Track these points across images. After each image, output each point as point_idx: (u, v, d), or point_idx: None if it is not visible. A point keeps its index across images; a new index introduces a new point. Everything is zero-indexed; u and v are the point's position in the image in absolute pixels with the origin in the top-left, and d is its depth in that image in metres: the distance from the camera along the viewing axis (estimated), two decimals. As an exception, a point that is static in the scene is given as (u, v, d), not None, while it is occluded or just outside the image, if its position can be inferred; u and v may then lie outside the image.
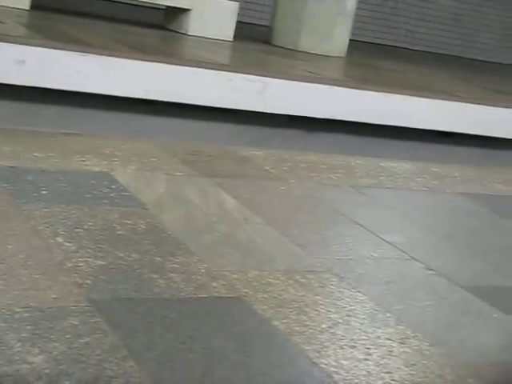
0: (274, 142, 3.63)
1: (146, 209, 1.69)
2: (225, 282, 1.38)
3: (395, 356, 1.23)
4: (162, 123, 3.38)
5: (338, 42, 5.18)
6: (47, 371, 0.99)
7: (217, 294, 1.33)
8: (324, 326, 1.29)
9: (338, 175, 2.33)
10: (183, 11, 4.81)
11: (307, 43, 5.10)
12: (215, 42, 4.61)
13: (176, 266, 1.41)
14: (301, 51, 5.08)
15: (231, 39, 4.89)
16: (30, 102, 3.11)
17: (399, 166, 2.64)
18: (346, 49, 5.30)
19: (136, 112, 3.33)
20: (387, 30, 7.59)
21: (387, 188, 2.30)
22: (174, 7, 4.82)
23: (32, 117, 3.12)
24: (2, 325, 1.08)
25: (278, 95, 3.50)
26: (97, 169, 1.92)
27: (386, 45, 7.61)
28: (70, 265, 1.32)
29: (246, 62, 3.99)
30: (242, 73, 3.41)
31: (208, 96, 3.33)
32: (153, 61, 3.20)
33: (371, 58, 5.86)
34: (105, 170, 1.92)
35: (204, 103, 3.34)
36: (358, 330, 1.29)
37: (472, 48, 8.13)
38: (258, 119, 3.58)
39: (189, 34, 4.77)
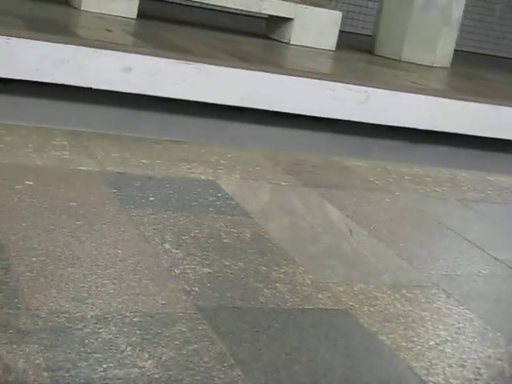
0: (376, 152, 3.59)
1: (251, 218, 1.69)
2: (330, 294, 1.37)
3: (507, 378, 1.19)
4: (264, 132, 3.39)
5: (442, 52, 5.10)
6: (157, 376, 1.00)
7: (322, 306, 1.32)
8: (432, 342, 1.26)
9: (444, 188, 2.29)
10: (285, 20, 4.82)
11: (411, 53, 5.04)
12: (317, 52, 4.60)
13: (281, 276, 1.41)
14: (404, 61, 5.02)
15: (333, 49, 4.88)
16: (136, 109, 3.17)
17: (507, 180, 2.57)
18: (450, 59, 5.22)
19: (238, 120, 3.35)
20: (493, 40, 7.43)
21: (495, 203, 2.24)
22: (277, 16, 4.84)
23: (139, 124, 3.18)
24: (113, 328, 1.10)
25: (381, 105, 3.46)
26: (202, 177, 1.93)
27: (491, 55, 7.45)
28: (177, 271, 1.34)
29: (349, 71, 3.97)
30: (344, 82, 3.39)
31: (310, 105, 3.32)
32: (255, 69, 3.22)
33: (476, 68, 5.75)
34: (210, 177, 1.94)
35: (306, 112, 3.34)
36: (467, 349, 1.26)
37: None
38: (360, 129, 3.56)
39: (291, 43, 4.78)
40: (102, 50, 2.98)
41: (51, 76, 2.91)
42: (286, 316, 1.25)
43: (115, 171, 1.84)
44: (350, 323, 1.27)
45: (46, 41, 2.89)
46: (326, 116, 3.39)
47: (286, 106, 3.30)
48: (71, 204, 1.56)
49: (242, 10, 4.95)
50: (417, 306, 1.40)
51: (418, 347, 1.23)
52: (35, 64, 2.87)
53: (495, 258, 1.74)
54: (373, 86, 3.46)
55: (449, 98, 3.61)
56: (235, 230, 1.59)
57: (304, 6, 4.77)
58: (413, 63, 5.01)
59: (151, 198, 1.69)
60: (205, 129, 3.28)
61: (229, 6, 4.68)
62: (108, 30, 3.52)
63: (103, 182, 1.74)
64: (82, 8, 4.31)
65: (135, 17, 4.41)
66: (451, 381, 1.15)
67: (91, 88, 3.00)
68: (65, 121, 3.05)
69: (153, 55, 3.07)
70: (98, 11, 4.33)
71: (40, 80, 2.91)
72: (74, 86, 2.99)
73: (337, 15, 4.86)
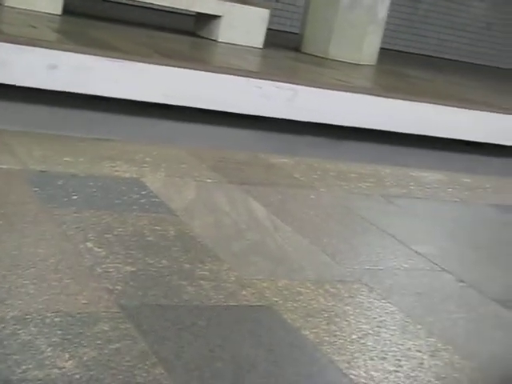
0: (302, 149, 3.62)
1: (175, 215, 1.69)
2: (254, 291, 1.38)
3: (426, 368, 1.21)
4: (190, 129, 3.38)
5: (368, 50, 5.16)
6: (77, 376, 0.99)
7: (246, 303, 1.32)
8: (354, 336, 1.28)
9: (368, 184, 2.32)
10: (214, 18, 4.82)
11: (337, 51, 5.09)
12: (245, 49, 4.61)
13: (205, 273, 1.41)
14: (331, 59, 5.07)
15: (261, 46, 4.89)
16: (60, 107, 3.13)
17: (429, 175, 2.62)
18: (376, 57, 5.29)
19: (164, 118, 3.34)
20: (418, 39, 7.56)
21: (417, 198, 2.28)
22: (205, 14, 4.83)
23: (63, 122, 3.14)
24: (33, 329, 1.08)
25: (308, 103, 3.49)
26: (127, 175, 1.92)
27: (416, 53, 7.58)
28: (100, 270, 1.32)
29: (276, 69, 3.99)
30: (271, 80, 3.40)
31: (237, 102, 3.33)
32: (182, 67, 3.21)
33: (402, 66, 5.84)
34: (135, 175, 1.92)
35: (233, 110, 3.34)
36: (388, 342, 1.28)
37: (504, 57, 8.08)
38: (286, 126, 3.58)
39: (219, 40, 4.78)
40: (27, 47, 2.93)
41: (-27, 73, 2.85)
42: (209, 313, 1.25)
43: (37, 169, 1.81)
44: (274, 319, 1.28)
45: (-34, 37, 2.83)
46: (252, 113, 3.40)
47: (212, 104, 3.29)
48: (-9, 203, 1.53)
49: (170, 8, 4.93)
50: (340, 300, 1.41)
51: (341, 341, 1.25)
52: (-44, 61, 2.81)
53: (417, 252, 1.77)
54: (300, 84, 3.48)
55: (373, 95, 3.66)
56: (159, 228, 1.59)
57: (232, 3, 4.77)
58: (339, 61, 5.06)
59: (74, 197, 1.67)
60: (130, 127, 3.26)
61: (157, 3, 4.65)
62: (32, 27, 3.46)
63: (25, 180, 1.71)
64: (6, 4, 4.23)
65: (60, 13, 4.35)
66: (372, 373, 1.16)
67: (15, 85, 2.95)
68: (-13, 119, 2.99)
69: (78, 52, 3.03)
70: (22, 7, 4.25)
71: (-39, 77, 2.85)
72: (-3, 84, 2.93)
73: (265, 13, 4.87)
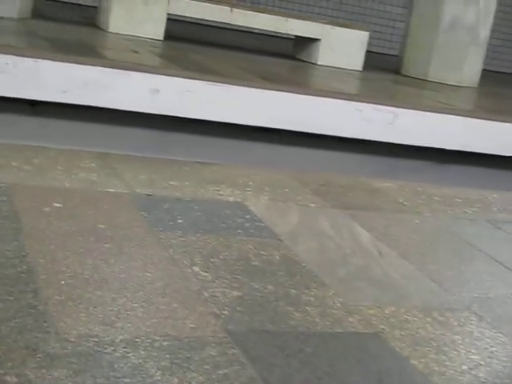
0: (405, 173, 3.57)
1: (280, 240, 1.68)
2: (361, 317, 1.35)
3: (542, 403, 1.17)
4: (292, 153, 3.38)
5: (469, 71, 5.07)
6: (186, 402, 0.99)
7: (353, 330, 1.30)
8: (465, 367, 1.24)
9: (474, 209, 2.27)
10: (313, 41, 4.83)
11: (438, 73, 5.02)
12: (345, 72, 4.60)
13: (311, 299, 1.40)
14: (431, 81, 5.00)
15: (361, 69, 4.87)
16: (164, 131, 3.18)
17: (537, 200, 2.54)
18: (478, 79, 5.19)
19: (265, 141, 3.35)
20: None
21: (526, 224, 2.22)
22: (304, 37, 4.84)
23: (167, 146, 3.19)
24: (142, 353, 1.09)
25: (409, 126, 3.44)
26: (231, 198, 1.93)
27: (519, 74, 7.41)
28: (206, 295, 1.33)
29: (376, 91, 3.96)
30: (372, 103, 3.38)
31: (337, 126, 3.31)
32: (282, 90, 3.22)
33: (504, 87, 5.71)
34: (239, 199, 1.93)
35: (333, 133, 3.33)
36: (500, 374, 1.24)
37: None
38: (388, 150, 3.54)
39: (318, 63, 4.78)
40: (130, 72, 2.99)
41: (78, 97, 2.93)
42: (316, 340, 1.24)
43: (143, 193, 1.84)
44: (382, 347, 1.26)
45: (73, 62, 2.91)
46: (353, 136, 3.37)
47: (314, 127, 3.29)
48: (100, 226, 1.55)
49: (269, 31, 4.96)
50: (448, 329, 1.38)
51: (451, 372, 1.21)
52: (63, 86, 2.89)
53: (528, 281, 1.71)
54: (400, 107, 3.44)
55: (476, 117, 3.58)
56: (264, 253, 1.58)
57: (331, 26, 4.77)
58: (440, 83, 4.99)
59: (180, 220, 1.69)
60: (233, 151, 3.28)
61: (256, 27, 4.69)
62: (135, 52, 3.54)
63: (131, 204, 1.74)
64: (109, 29, 4.35)
65: (162, 38, 4.43)
66: (485, 407, 1.13)
67: (119, 110, 3.01)
68: (93, 143, 3.06)
69: (180, 76, 3.08)
70: (125, 33, 4.36)
71: (67, 102, 2.93)
72: (102, 108, 3.00)
73: (364, 36, 4.86)
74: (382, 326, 1.33)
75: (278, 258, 1.57)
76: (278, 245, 1.65)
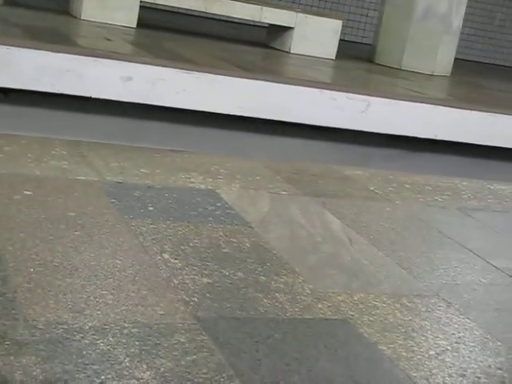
0: (377, 161, 3.59)
1: (250, 227, 1.69)
2: (330, 304, 1.36)
3: (507, 387, 1.18)
4: (264, 141, 3.39)
5: (442, 60, 5.10)
6: (155, 388, 1.00)
7: (322, 316, 1.31)
8: (432, 352, 1.25)
9: (445, 197, 2.29)
10: (286, 29, 4.83)
11: (411, 62, 5.05)
12: (318, 60, 4.60)
13: (281, 285, 1.40)
14: (404, 70, 5.03)
15: (334, 57, 4.88)
16: (136, 119, 3.17)
17: (507, 188, 2.56)
18: (450, 68, 5.22)
19: (238, 129, 3.35)
20: (494, 49, 7.43)
21: (496, 211, 2.24)
22: (278, 25, 4.84)
23: (139, 133, 3.18)
24: (111, 339, 1.09)
25: (381, 114, 3.46)
26: (202, 186, 1.93)
27: (492, 64, 7.46)
28: (176, 282, 1.33)
29: (349, 80, 3.97)
30: (345, 91, 3.39)
31: (310, 114, 3.32)
32: (255, 78, 3.22)
33: (476, 76, 5.75)
34: (210, 187, 1.93)
35: (306, 122, 3.34)
36: (467, 358, 1.25)
37: None
38: (361, 138, 3.56)
39: (291, 52, 4.79)
40: (102, 60, 2.98)
41: (51, 86, 2.91)
42: (285, 326, 1.25)
43: (114, 181, 1.83)
44: (350, 333, 1.27)
45: (46, 50, 2.89)
46: (326, 125, 3.39)
47: (287, 115, 3.30)
48: (70, 214, 1.55)
49: (243, 20, 4.96)
50: (417, 315, 1.39)
51: (418, 357, 1.23)
52: (35, 74, 2.88)
53: (495, 267, 1.73)
54: (373, 95, 3.46)
55: (449, 106, 3.61)
56: (235, 240, 1.59)
57: (304, 14, 4.77)
58: (413, 72, 5.01)
59: (150, 208, 1.69)
60: (205, 138, 3.28)
61: (230, 15, 4.68)
62: (108, 39, 3.52)
63: (102, 191, 1.74)
64: (82, 17, 4.32)
65: (135, 26, 4.42)
66: (452, 391, 1.14)
67: (91, 97, 3.00)
68: (64, 130, 3.05)
69: (153, 64, 3.07)
70: (97, 20, 4.33)
71: (40, 89, 2.91)
72: (74, 96, 2.99)
73: (337, 24, 4.86)
74: (350, 313, 1.34)
75: (248, 245, 1.58)
76: (249, 232, 1.65)
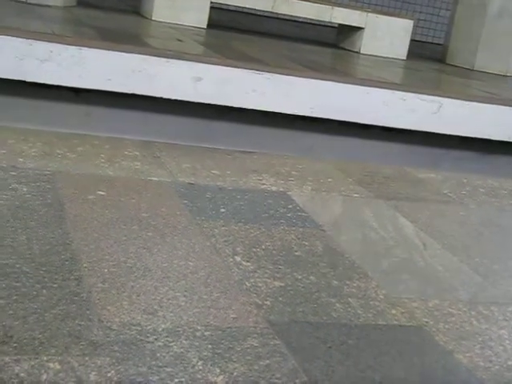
0: (449, 163, 3.53)
1: (322, 230, 1.67)
2: (404, 310, 1.34)
3: None
4: (335, 143, 3.36)
5: (516, 61, 4.99)
6: (228, 393, 0.99)
7: (396, 322, 1.29)
8: (510, 362, 1.22)
9: (520, 201, 2.23)
10: (356, 29, 4.79)
11: (484, 62, 4.95)
12: (388, 61, 4.55)
13: (354, 290, 1.38)
14: (477, 70, 4.94)
15: (405, 58, 4.82)
16: (206, 120, 3.18)
17: None
18: (524, 68, 5.11)
19: (309, 130, 3.33)
20: None
21: None
22: (347, 25, 4.81)
23: (210, 134, 3.19)
24: (184, 342, 1.09)
25: (454, 116, 3.40)
26: (273, 188, 1.92)
27: None
28: (248, 285, 1.32)
29: (421, 81, 3.92)
30: (416, 92, 3.34)
31: (381, 115, 3.28)
32: (326, 79, 3.20)
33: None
34: (281, 189, 1.92)
35: (377, 123, 3.30)
36: (547, 370, 1.21)
37: None
38: (432, 140, 3.50)
39: (361, 52, 4.75)
40: (173, 60, 2.99)
41: (123, 86, 2.94)
42: (359, 332, 1.23)
43: (186, 182, 1.84)
44: (425, 340, 1.24)
45: (117, 50, 2.92)
46: (397, 126, 3.34)
47: (357, 116, 3.26)
48: (142, 215, 1.56)
49: (312, 20, 4.93)
50: (494, 323, 1.35)
51: (497, 367, 1.19)
52: (107, 74, 2.91)
53: None
54: (445, 96, 3.40)
55: (524, 108, 3.52)
56: (307, 243, 1.57)
57: (375, 14, 4.73)
58: (486, 72, 4.92)
59: (222, 210, 1.68)
60: (275, 139, 3.27)
61: (300, 15, 4.66)
62: (179, 40, 3.54)
63: (174, 192, 1.74)
64: (153, 18, 4.35)
65: (205, 26, 4.43)
66: (532, 403, 1.11)
67: (162, 98, 3.02)
68: (136, 131, 3.08)
69: (223, 65, 3.07)
70: (168, 21, 4.36)
71: (111, 90, 2.94)
72: (145, 96, 3.01)
73: (408, 24, 4.80)
74: (425, 319, 1.32)
75: (320, 248, 1.56)
76: (321, 235, 1.64)
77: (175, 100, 3.04)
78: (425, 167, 3.17)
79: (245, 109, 3.13)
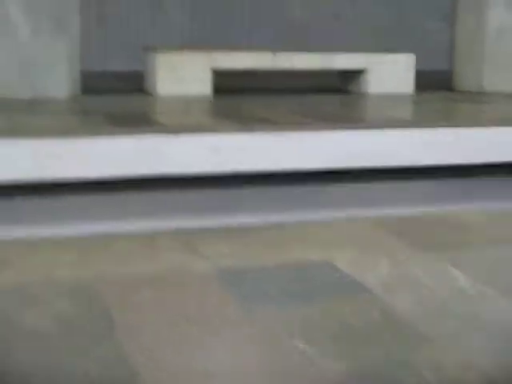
0: (477, 195, 3.47)
1: (375, 295, 1.61)
2: (481, 373, 1.27)
3: None
4: (362, 191, 3.31)
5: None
6: None
7: (476, 389, 1.22)
8: None
9: None
10: (359, 71, 4.78)
11: (492, 83, 4.92)
12: (396, 98, 4.53)
13: (423, 360, 1.32)
14: (487, 92, 4.90)
15: (411, 92, 4.80)
16: (230, 190, 3.14)
17: None
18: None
19: (336, 183, 3.29)
20: None
21: None
22: (350, 69, 4.80)
23: (233, 205, 3.14)
24: None
25: (473, 144, 3.35)
26: (314, 258, 1.87)
27: None
28: (313, 371, 1.26)
29: (434, 113, 3.88)
30: (431, 127, 3.30)
31: (399, 155, 3.24)
32: (340, 128, 3.16)
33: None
34: (323, 258, 1.87)
35: (395, 164, 3.26)
36: None
37: None
38: (455, 173, 3.45)
39: (368, 92, 4.73)
40: (186, 134, 2.97)
41: (147, 168, 2.91)
42: (440, 407, 1.16)
43: (227, 267, 1.79)
44: (511, 405, 1.17)
45: (128, 134, 2.90)
46: (417, 164, 3.30)
47: (382, 161, 3.22)
48: (192, 312, 1.51)
49: (315, 69, 4.93)
50: None
51: None
52: (125, 158, 2.88)
53: None
54: (462, 126, 3.36)
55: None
56: (363, 314, 1.51)
57: (375, 54, 4.72)
58: (496, 93, 4.89)
59: (269, 291, 1.63)
60: (303, 198, 3.23)
61: (301, 67, 4.66)
62: (186, 112, 3.53)
63: (218, 281, 1.69)
64: (158, 93, 4.36)
65: (209, 93, 4.43)
66: None
67: (178, 174, 2.99)
68: (162, 214, 3.04)
69: (237, 132, 3.05)
70: (173, 94, 4.37)
71: (135, 174, 2.91)
72: (159, 177, 2.98)
73: (410, 58, 4.79)
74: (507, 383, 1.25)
75: (377, 316, 1.50)
76: (376, 301, 1.58)
77: (193, 174, 3.01)
78: (454, 201, 3.12)
79: (267, 174, 3.10)
